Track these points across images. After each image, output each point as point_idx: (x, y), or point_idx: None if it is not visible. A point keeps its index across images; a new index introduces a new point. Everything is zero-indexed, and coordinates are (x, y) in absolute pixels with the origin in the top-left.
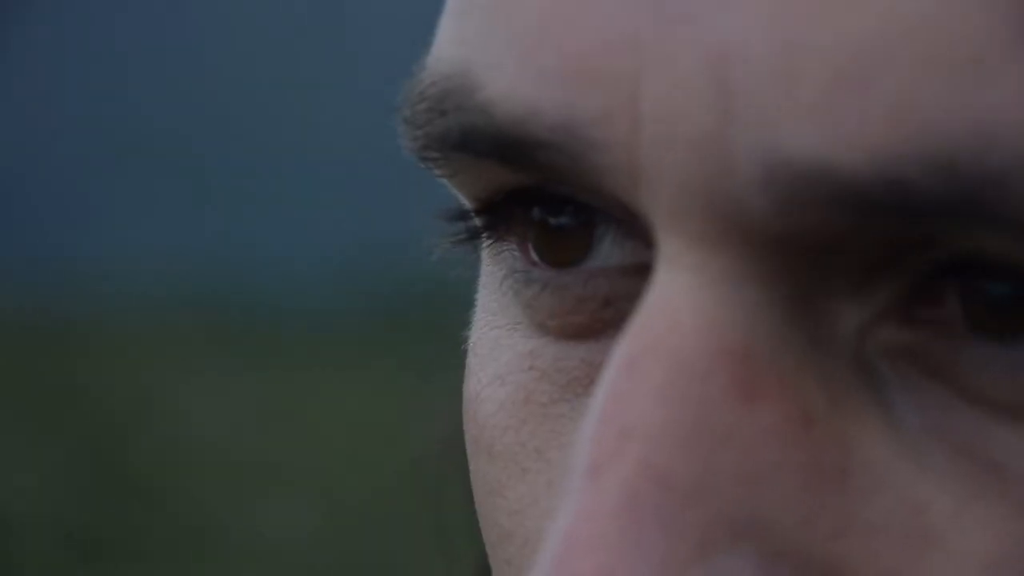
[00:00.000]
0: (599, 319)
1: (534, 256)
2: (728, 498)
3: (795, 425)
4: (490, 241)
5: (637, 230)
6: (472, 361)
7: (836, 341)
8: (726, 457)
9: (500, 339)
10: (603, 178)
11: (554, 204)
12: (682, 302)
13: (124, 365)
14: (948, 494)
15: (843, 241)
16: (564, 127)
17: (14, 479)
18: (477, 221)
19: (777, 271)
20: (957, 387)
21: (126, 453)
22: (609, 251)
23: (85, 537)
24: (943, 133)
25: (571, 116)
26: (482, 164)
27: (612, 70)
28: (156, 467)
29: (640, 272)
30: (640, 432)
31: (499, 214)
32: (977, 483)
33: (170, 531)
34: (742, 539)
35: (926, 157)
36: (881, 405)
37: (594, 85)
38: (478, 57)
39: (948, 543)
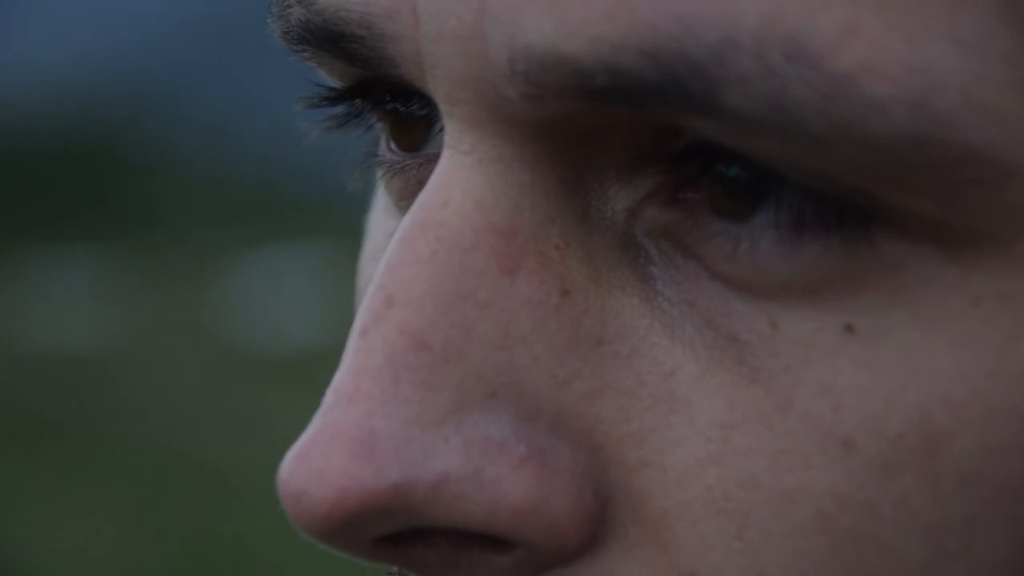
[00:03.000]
0: None
1: (392, 143)
2: (484, 360)
3: (553, 295)
4: (357, 128)
5: None
6: (364, 239)
7: (604, 221)
8: (484, 323)
9: (378, 220)
10: (400, 68)
11: (404, 93)
12: (455, 181)
13: None
14: (694, 362)
15: (595, 128)
16: (364, 21)
17: None
18: (341, 108)
19: (544, 155)
20: (704, 264)
21: None
22: (441, 137)
23: None
24: (651, 24)
25: (369, 11)
26: (324, 55)
27: None
28: None
29: None
30: (403, 298)
31: (360, 102)
32: (718, 351)
33: None
34: (498, 397)
35: (637, 46)
36: (643, 280)
37: None
38: None
39: (691, 406)
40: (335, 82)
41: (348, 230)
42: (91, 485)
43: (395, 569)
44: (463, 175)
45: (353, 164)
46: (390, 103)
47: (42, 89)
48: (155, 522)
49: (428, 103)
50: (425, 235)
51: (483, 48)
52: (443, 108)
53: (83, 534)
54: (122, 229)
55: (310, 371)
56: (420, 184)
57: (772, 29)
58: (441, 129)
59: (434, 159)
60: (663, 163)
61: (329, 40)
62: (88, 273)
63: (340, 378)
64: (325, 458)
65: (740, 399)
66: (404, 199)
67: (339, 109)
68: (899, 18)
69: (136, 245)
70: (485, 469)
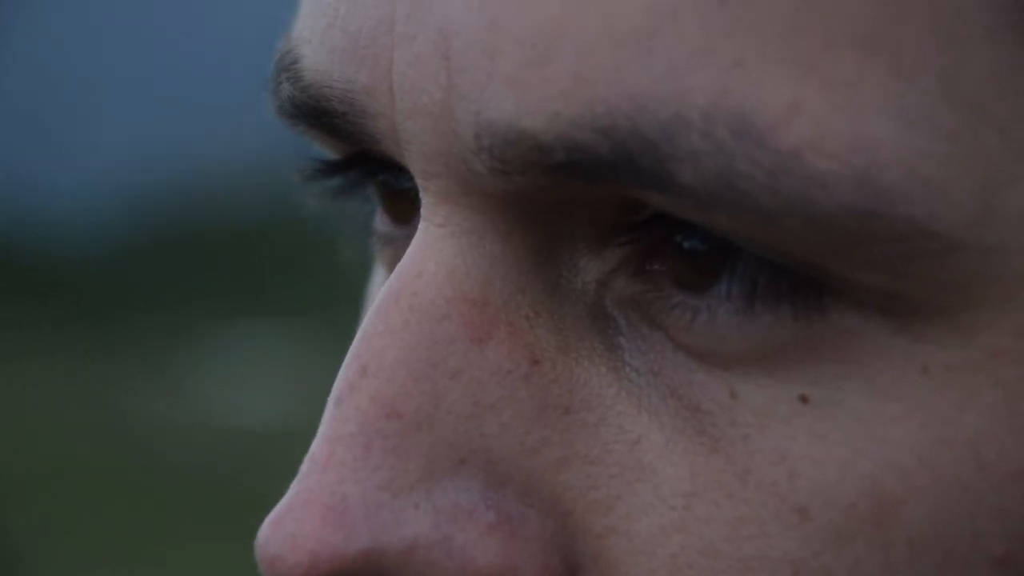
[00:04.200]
0: None
1: (385, 215)
2: (455, 428)
3: (522, 365)
4: (355, 199)
5: None
6: (363, 307)
7: (575, 292)
8: (454, 392)
9: (375, 286)
10: (380, 144)
11: (394, 167)
12: (429, 252)
13: None
14: (659, 431)
15: (561, 201)
16: (346, 98)
17: None
18: (336, 180)
19: (515, 227)
20: (668, 334)
21: None
22: None
23: None
24: (606, 102)
25: (350, 88)
26: (314, 131)
27: (375, 48)
28: None
29: None
30: (376, 367)
31: (354, 174)
32: (682, 421)
33: None
34: (468, 465)
35: (592, 123)
36: (611, 349)
37: (364, 61)
38: (301, 32)
39: (656, 475)
40: (332, 155)
41: None
42: None
43: None
44: (437, 246)
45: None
46: (381, 175)
47: (227, 172)
48: None
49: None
50: (399, 305)
51: (452, 124)
52: (419, 182)
53: None
54: (309, 306)
55: None
56: None
57: (719, 107)
58: None
59: None
60: (627, 234)
61: (314, 116)
62: (277, 349)
63: (316, 446)
64: (298, 524)
65: (702, 467)
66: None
67: (334, 182)
68: (843, 96)
69: (323, 322)
70: (454, 535)
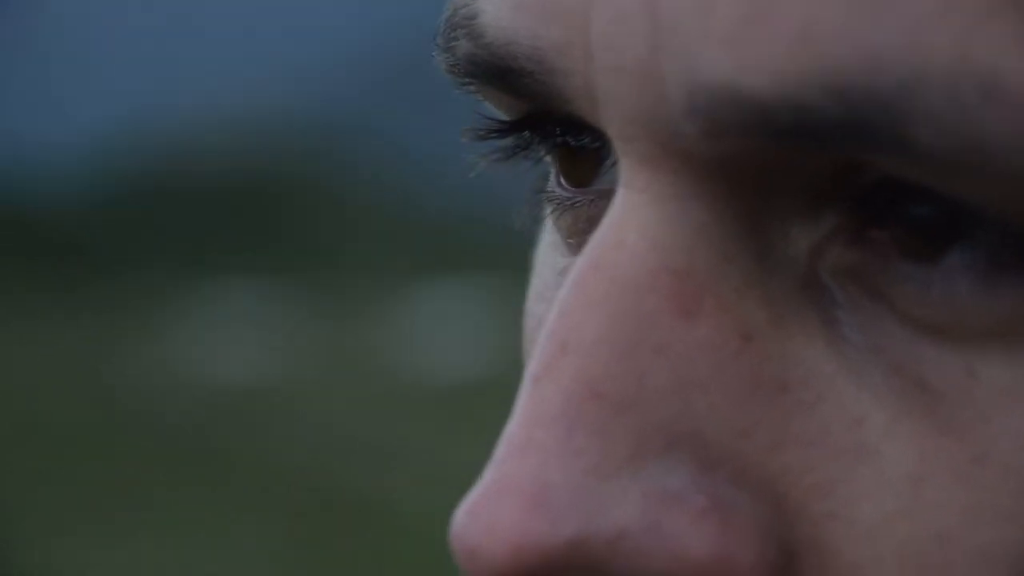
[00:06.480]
0: None
1: (560, 177)
2: (662, 408)
3: (732, 340)
4: (526, 160)
5: None
6: (532, 276)
7: (786, 261)
8: (660, 369)
9: (546, 257)
10: (571, 104)
11: (575, 126)
12: (629, 221)
13: None
14: (882, 410)
15: (776, 165)
16: (534, 55)
17: None
18: (509, 140)
19: (722, 192)
20: (893, 307)
21: None
22: (613, 172)
23: None
24: (837, 60)
25: (539, 45)
26: (491, 89)
27: (568, 3)
28: None
29: None
30: (576, 344)
31: (529, 134)
32: (908, 400)
33: None
34: (677, 447)
35: (822, 82)
36: (827, 323)
37: (556, 17)
38: None
39: (880, 457)
40: (503, 115)
41: (522, 265)
42: (250, 513)
43: None
44: (638, 214)
45: (520, 200)
46: (560, 136)
47: (209, 128)
48: (309, 550)
49: (600, 137)
50: (598, 277)
51: (659, 85)
52: (617, 145)
53: (237, 561)
54: (290, 263)
55: (476, 403)
56: (589, 221)
57: (965, 65)
58: (613, 164)
59: (605, 196)
60: (847, 200)
61: (497, 75)
62: (256, 305)
63: (512, 428)
64: (497, 512)
65: (931, 450)
66: (573, 236)
67: (507, 141)
68: None
69: (304, 279)
70: (664, 522)
